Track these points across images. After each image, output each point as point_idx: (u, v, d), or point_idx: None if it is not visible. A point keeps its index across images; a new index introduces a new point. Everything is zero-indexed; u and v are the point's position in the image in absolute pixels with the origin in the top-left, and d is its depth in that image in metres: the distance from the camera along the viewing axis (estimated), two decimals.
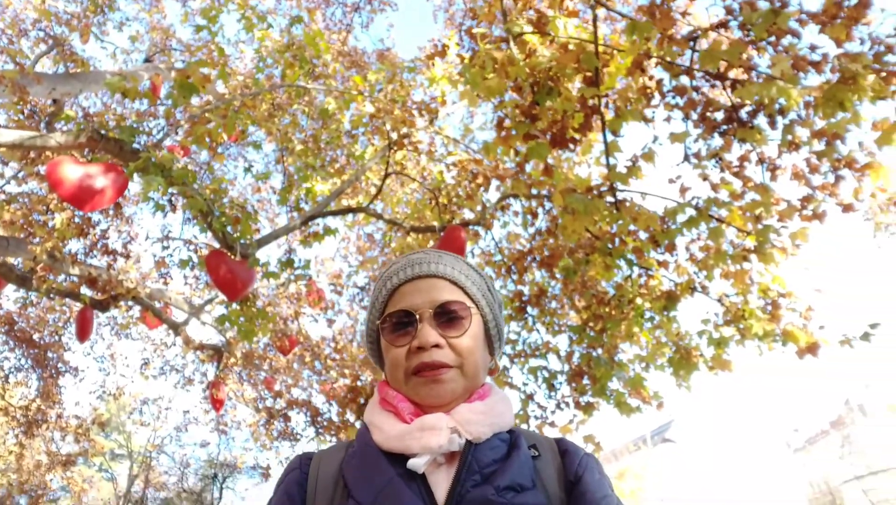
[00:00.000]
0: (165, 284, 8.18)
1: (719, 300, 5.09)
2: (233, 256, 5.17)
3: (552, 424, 5.63)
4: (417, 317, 0.90)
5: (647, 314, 5.12)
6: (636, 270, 5.24)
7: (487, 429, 0.88)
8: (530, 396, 5.68)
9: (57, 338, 11.07)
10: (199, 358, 10.71)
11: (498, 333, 1.02)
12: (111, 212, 6.65)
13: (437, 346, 0.89)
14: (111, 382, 12.89)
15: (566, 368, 5.52)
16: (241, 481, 19.85)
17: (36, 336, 11.11)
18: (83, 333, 7.59)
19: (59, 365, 11.47)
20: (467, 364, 0.90)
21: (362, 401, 6.13)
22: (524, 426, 5.74)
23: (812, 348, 4.70)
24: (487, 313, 0.98)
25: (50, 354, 11.25)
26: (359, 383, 6.37)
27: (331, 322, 10.56)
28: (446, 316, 0.91)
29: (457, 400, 0.90)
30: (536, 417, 5.70)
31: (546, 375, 5.52)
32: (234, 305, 5.81)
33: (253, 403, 11.10)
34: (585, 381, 5.27)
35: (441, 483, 0.85)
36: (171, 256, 8.40)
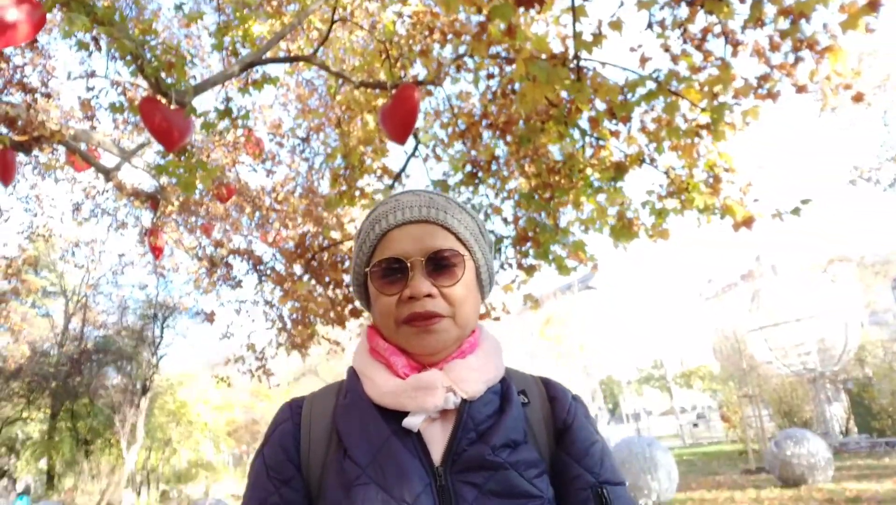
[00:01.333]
0: (93, 127, 7.66)
1: (666, 172, 5.21)
2: (168, 104, 4.85)
3: (496, 284, 5.86)
4: (409, 265, 0.86)
5: (596, 184, 5.20)
6: (588, 139, 5.23)
7: (482, 386, 0.88)
8: None
9: None
10: (132, 204, 10.38)
11: (489, 277, 1.00)
12: (27, 46, 6.00)
13: (429, 295, 0.86)
14: (39, 223, 12.43)
15: (512, 231, 5.65)
16: (181, 321, 20.20)
17: None
18: (6, 176, 7.12)
19: None
20: (459, 313, 0.88)
21: (310, 256, 6.16)
22: None
23: (747, 222, 4.93)
24: (480, 259, 0.95)
25: None
26: (306, 241, 6.33)
27: (270, 172, 10.29)
28: (439, 264, 0.87)
29: (448, 348, 0.88)
30: None
31: (492, 239, 5.64)
32: (171, 156, 5.55)
33: (192, 251, 11.01)
34: (529, 245, 5.43)
35: (436, 440, 0.85)
36: (98, 97, 7.78)
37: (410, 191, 0.96)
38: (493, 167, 5.65)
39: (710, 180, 5.03)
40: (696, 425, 26.43)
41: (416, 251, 0.87)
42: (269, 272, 10.08)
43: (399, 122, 4.71)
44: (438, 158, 6.01)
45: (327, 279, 6.26)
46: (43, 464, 20.90)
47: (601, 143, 5.21)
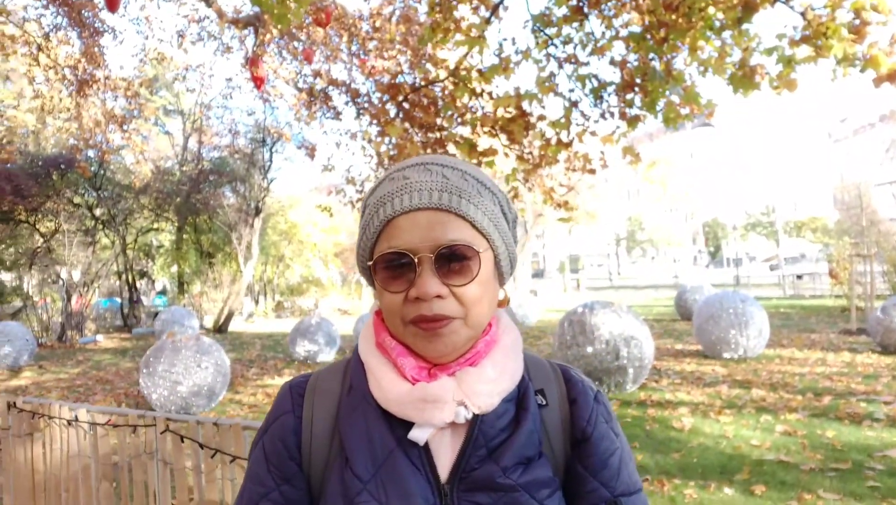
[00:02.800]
0: None
1: (803, 13, 4.49)
2: None
3: (594, 134, 5.54)
4: (416, 261, 0.75)
5: (718, 25, 4.58)
6: None
7: (496, 399, 0.79)
8: (574, 104, 5.48)
9: None
10: (235, 28, 10.37)
11: (510, 263, 0.87)
12: None
13: (438, 296, 0.75)
14: (150, 46, 12.81)
15: (617, 77, 5.19)
16: (288, 148, 20.99)
17: None
18: (112, 2, 7.22)
19: (97, 24, 11.33)
20: (472, 314, 0.77)
21: (402, 97, 6.02)
22: (563, 134, 5.67)
23: (893, 76, 4.27)
24: (499, 246, 0.82)
25: (85, 13, 11.03)
26: (398, 80, 6.14)
27: None
28: (451, 261, 0.76)
29: (458, 350, 0.79)
30: (578, 125, 5.59)
31: (595, 84, 5.23)
32: None
33: (293, 82, 11.06)
34: (635, 94, 5.00)
35: (444, 453, 0.79)
36: None
37: (422, 165, 0.80)
38: (602, 1, 5.07)
39: (856, 24, 4.29)
40: (799, 277, 25.41)
41: (425, 245, 0.75)
42: (366, 105, 10.07)
43: None
44: None
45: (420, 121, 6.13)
46: (174, 270, 23.55)
47: None
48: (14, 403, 2.54)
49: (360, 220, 0.83)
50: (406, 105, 6.12)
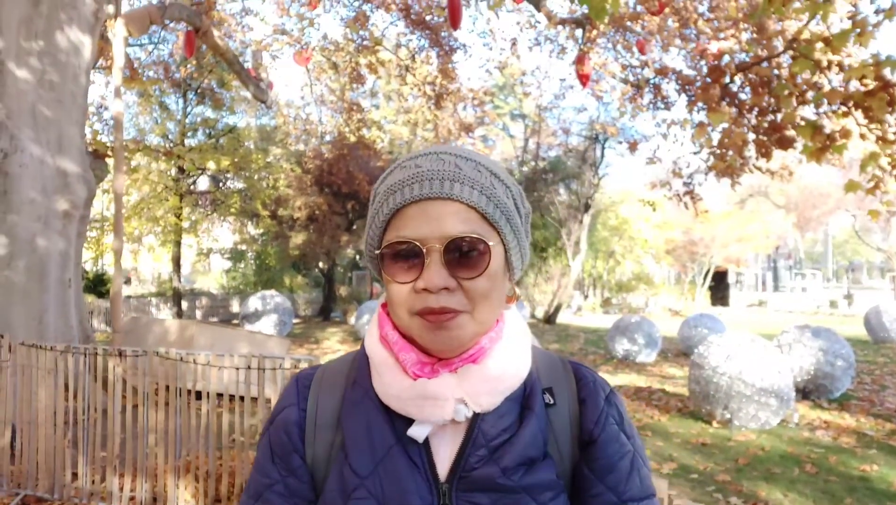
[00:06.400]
0: None
1: None
2: None
3: None
4: (424, 251, 0.73)
5: None
6: None
7: (498, 397, 0.76)
8: None
9: (443, 19, 12.17)
10: (569, 28, 10.67)
11: (521, 258, 0.82)
12: None
13: (446, 288, 0.72)
14: (494, 55, 14.04)
15: None
16: (618, 146, 20.90)
17: (428, 17, 12.42)
18: (454, 20, 8.10)
19: (451, 42, 12.87)
20: (480, 309, 0.74)
21: (727, 80, 5.43)
22: None
23: None
24: (510, 240, 0.78)
25: (442, 34, 12.63)
26: (724, 60, 5.57)
27: None
28: (460, 253, 0.73)
29: (464, 345, 0.76)
30: None
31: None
32: None
33: (623, 71, 10.91)
34: None
35: (445, 450, 0.77)
36: None
37: (435, 152, 0.78)
38: None
39: None
40: None
41: (434, 235, 0.73)
42: (699, 92, 9.38)
43: None
44: None
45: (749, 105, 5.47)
46: None
47: None
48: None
49: (370, 209, 0.82)
50: (734, 88, 5.51)
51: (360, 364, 0.85)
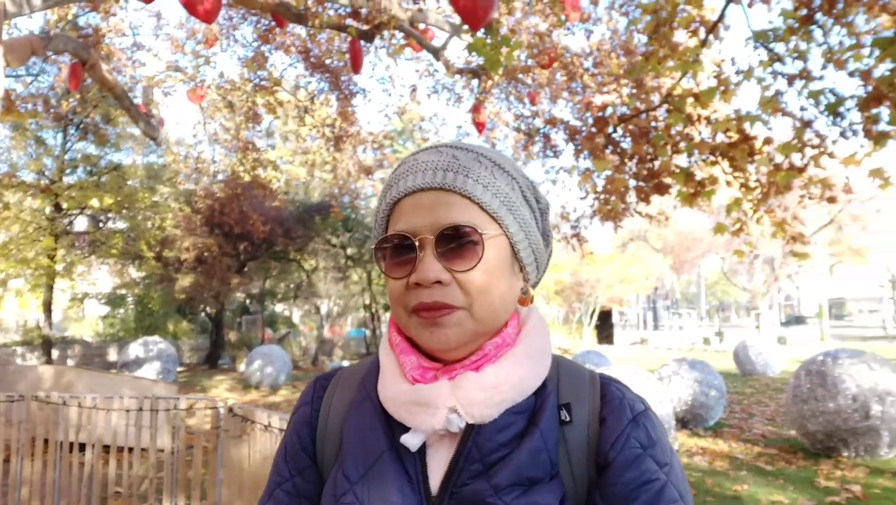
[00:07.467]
0: (420, 11, 8.30)
1: None
2: None
3: (832, 156, 4.87)
4: (417, 244, 0.70)
5: None
6: None
7: (495, 409, 0.70)
8: (807, 124, 4.88)
9: (344, 63, 12.32)
10: (466, 77, 11.14)
11: (534, 254, 0.78)
12: None
13: (439, 282, 0.69)
14: (393, 101, 14.38)
15: (860, 91, 4.51)
16: None
17: (328, 61, 12.53)
18: (356, 65, 8.23)
19: (351, 87, 13.02)
20: (478, 305, 0.70)
21: (610, 130, 5.90)
22: (796, 157, 5.08)
23: None
24: (516, 233, 0.74)
25: (342, 78, 12.76)
26: (607, 112, 6.05)
27: (588, 33, 9.98)
28: (452, 244, 0.69)
29: (467, 345, 0.72)
30: (812, 148, 4.96)
31: (831, 100, 4.61)
32: (480, 33, 5.74)
33: (517, 121, 11.49)
34: (882, 108, 4.29)
35: (439, 463, 0.72)
36: None
37: (434, 148, 0.76)
38: (839, 6, 4.48)
39: None
40: None
41: (427, 226, 0.70)
42: (585, 141, 10.04)
43: None
44: (766, 1, 5.02)
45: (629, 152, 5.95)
46: None
47: None
48: (231, 408, 3.00)
49: (376, 206, 0.80)
50: (616, 137, 5.99)
51: (371, 367, 0.83)
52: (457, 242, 0.70)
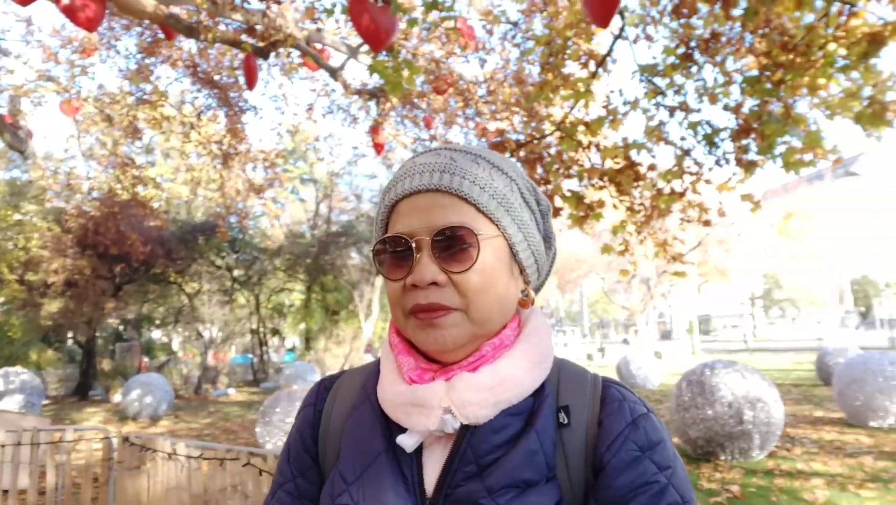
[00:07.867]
0: (318, 30, 8.25)
1: None
2: (375, 2, 4.97)
3: (708, 182, 5.34)
4: (413, 245, 0.70)
5: (841, 63, 4.32)
6: (837, 5, 4.32)
7: (490, 410, 0.70)
8: (687, 152, 5.33)
9: (234, 79, 11.93)
10: (362, 98, 11.14)
11: (534, 255, 0.78)
12: None
13: (435, 283, 0.69)
14: (287, 119, 14.10)
15: (733, 122, 5.00)
16: None
17: (217, 77, 12.08)
18: (250, 81, 8.01)
19: (241, 104, 12.62)
20: (475, 306, 0.70)
21: (508, 155, 6.13)
22: (676, 183, 5.50)
23: None
24: (514, 234, 0.74)
25: (232, 95, 12.34)
26: (504, 136, 6.27)
27: (482, 62, 10.29)
28: (448, 245, 0.70)
29: (464, 347, 0.72)
30: (691, 174, 5.41)
31: (708, 130, 5.06)
32: (381, 55, 5.79)
33: (414, 143, 11.63)
34: (752, 139, 4.78)
35: (435, 464, 0.72)
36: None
37: (433, 150, 0.77)
38: (713, 47, 4.96)
39: None
40: None
41: (423, 228, 0.70)
42: None
43: (600, 2, 4.28)
44: (649, 38, 5.45)
45: None
46: (302, 327, 24.89)
47: (853, 8, 4.26)
48: (127, 438, 2.80)
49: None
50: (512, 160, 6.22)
51: (373, 370, 0.82)
52: (453, 244, 0.70)
